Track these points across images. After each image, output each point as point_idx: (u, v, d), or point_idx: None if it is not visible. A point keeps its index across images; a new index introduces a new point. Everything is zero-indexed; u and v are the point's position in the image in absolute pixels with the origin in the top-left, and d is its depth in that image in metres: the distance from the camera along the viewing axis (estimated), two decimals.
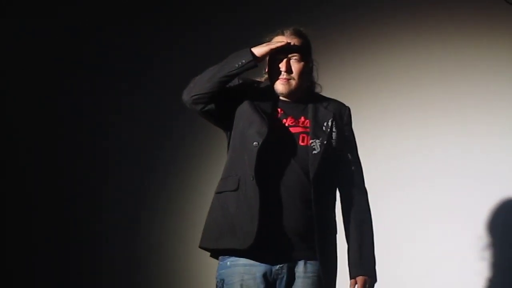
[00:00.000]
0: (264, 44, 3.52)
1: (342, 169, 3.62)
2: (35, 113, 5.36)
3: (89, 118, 5.17)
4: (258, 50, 3.49)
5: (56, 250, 5.14)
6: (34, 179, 5.28)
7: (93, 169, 5.13)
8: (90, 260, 5.07)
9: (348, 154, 3.65)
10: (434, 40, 4.55)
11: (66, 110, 5.25)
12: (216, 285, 3.55)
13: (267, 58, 3.50)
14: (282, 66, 3.51)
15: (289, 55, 3.52)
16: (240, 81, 3.54)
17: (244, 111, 3.52)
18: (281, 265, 3.47)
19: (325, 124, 3.59)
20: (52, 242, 5.15)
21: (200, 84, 3.46)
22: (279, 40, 3.51)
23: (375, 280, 3.54)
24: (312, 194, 3.47)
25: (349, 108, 3.63)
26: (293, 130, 3.57)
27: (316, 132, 3.55)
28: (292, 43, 3.53)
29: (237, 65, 3.47)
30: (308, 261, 3.50)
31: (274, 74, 3.53)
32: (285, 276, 3.49)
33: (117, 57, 5.16)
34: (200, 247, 3.58)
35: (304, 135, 3.58)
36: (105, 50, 5.22)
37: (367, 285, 3.55)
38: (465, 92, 4.62)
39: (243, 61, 3.47)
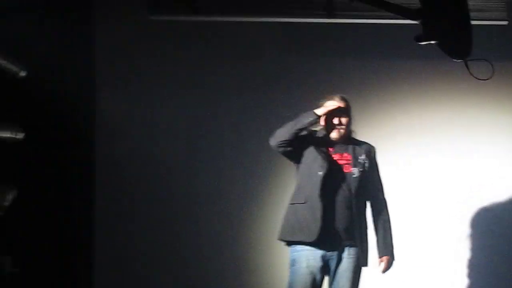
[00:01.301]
0: (323, 107, 4.65)
1: (371, 187, 4.76)
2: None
3: None
4: (320, 111, 4.64)
5: None
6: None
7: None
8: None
9: (375, 177, 4.78)
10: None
11: None
12: (290, 263, 4.66)
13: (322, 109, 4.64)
14: (336, 120, 4.69)
15: (339, 113, 4.68)
16: (306, 132, 4.70)
17: (310, 151, 4.70)
18: (333, 251, 4.61)
19: (360, 157, 4.72)
20: None
21: (282, 135, 4.64)
22: (332, 104, 4.68)
23: (394, 259, 4.73)
24: (353, 203, 4.64)
25: (375, 148, 4.81)
26: (340, 162, 4.71)
27: (355, 163, 4.70)
28: (342, 106, 4.69)
29: (306, 122, 4.63)
30: (351, 247, 4.63)
31: (330, 126, 4.70)
32: (335, 258, 4.63)
33: None
34: (279, 239, 4.73)
35: (347, 165, 4.71)
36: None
37: (389, 262, 4.73)
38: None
39: (311, 119, 4.64)
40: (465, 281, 5.58)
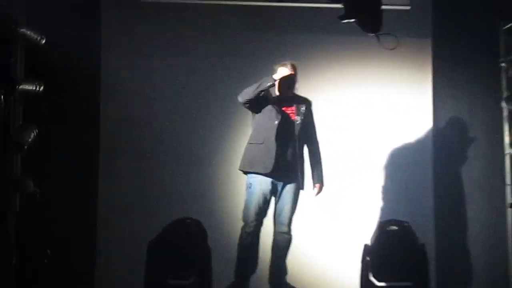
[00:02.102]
0: (278, 73, 5.60)
1: (308, 131, 5.74)
2: None
3: None
4: (276, 76, 5.60)
5: None
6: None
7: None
8: None
9: (311, 123, 5.78)
10: None
11: None
12: (246, 186, 5.65)
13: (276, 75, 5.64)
14: (286, 81, 5.63)
15: (290, 77, 5.64)
16: (264, 92, 5.62)
17: (267, 105, 5.65)
18: (280, 180, 5.61)
19: (301, 109, 5.71)
20: None
21: (247, 94, 5.60)
22: (284, 71, 5.61)
23: (323, 185, 5.72)
24: (297, 144, 5.63)
25: (310, 101, 5.83)
26: (287, 111, 5.67)
27: (298, 113, 5.69)
28: (292, 72, 5.63)
29: (266, 85, 5.57)
30: (293, 178, 5.63)
31: (282, 85, 5.66)
32: (282, 184, 5.64)
33: None
34: (240, 169, 5.71)
35: (292, 114, 5.69)
36: None
37: (320, 188, 5.73)
38: None
39: (270, 83, 5.58)
40: (379, 203, 6.58)
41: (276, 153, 5.49)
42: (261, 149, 5.54)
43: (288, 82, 5.55)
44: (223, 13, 6.58)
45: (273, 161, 5.48)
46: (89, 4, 6.47)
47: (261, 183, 5.55)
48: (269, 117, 5.56)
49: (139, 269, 5.29)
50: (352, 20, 5.04)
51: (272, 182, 5.55)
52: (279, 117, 5.54)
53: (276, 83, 5.54)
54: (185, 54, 6.57)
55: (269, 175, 5.53)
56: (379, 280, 5.30)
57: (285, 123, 5.57)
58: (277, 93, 5.57)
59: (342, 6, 5.08)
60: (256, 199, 5.53)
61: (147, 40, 6.57)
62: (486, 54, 6.62)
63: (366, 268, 5.39)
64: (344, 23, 5.04)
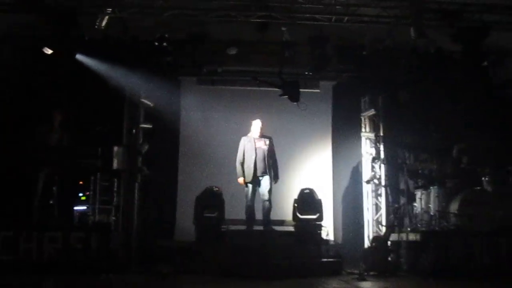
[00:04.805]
0: (253, 129, 11.04)
1: (271, 152, 10.96)
2: None
3: None
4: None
5: None
6: None
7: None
8: None
9: (272, 150, 11.02)
10: None
11: None
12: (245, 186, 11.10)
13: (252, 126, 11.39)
14: (258, 129, 10.90)
15: (259, 126, 11.22)
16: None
17: (248, 147, 10.89)
18: (259, 176, 10.95)
19: (266, 142, 11.09)
20: None
21: (237, 168, 10.78)
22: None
23: (278, 178, 10.93)
24: (266, 160, 10.88)
25: (272, 138, 11.18)
26: (259, 144, 10.89)
27: (265, 143, 10.95)
28: (260, 123, 11.00)
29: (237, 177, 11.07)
30: (266, 175, 10.88)
31: (255, 131, 10.99)
32: (260, 182, 10.81)
33: None
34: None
35: (263, 145, 10.92)
36: None
37: (277, 180, 11.06)
38: None
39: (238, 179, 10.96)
40: (301, 183, 11.70)
41: (254, 171, 10.35)
42: (247, 170, 10.43)
43: (259, 128, 10.54)
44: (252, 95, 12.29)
45: (251, 175, 10.39)
46: (173, 86, 11.96)
47: (250, 186, 10.49)
48: (250, 154, 10.50)
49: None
50: (286, 96, 9.88)
51: (253, 184, 10.48)
52: (254, 152, 10.44)
53: (252, 128, 10.67)
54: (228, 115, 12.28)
55: (251, 182, 10.44)
56: (301, 215, 10.36)
57: (258, 150, 10.46)
58: (254, 135, 10.67)
59: (281, 89, 10.02)
60: (250, 191, 10.58)
61: (207, 106, 12.21)
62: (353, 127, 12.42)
63: (295, 210, 10.80)
64: (281, 97, 9.93)
